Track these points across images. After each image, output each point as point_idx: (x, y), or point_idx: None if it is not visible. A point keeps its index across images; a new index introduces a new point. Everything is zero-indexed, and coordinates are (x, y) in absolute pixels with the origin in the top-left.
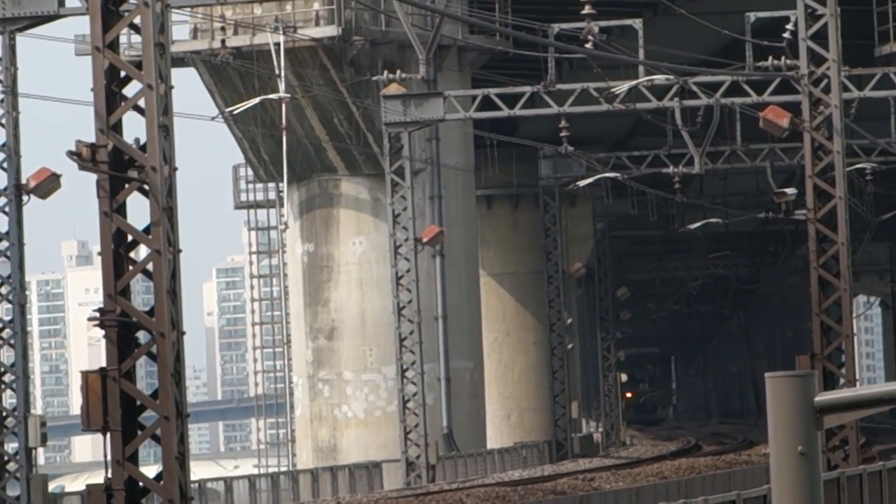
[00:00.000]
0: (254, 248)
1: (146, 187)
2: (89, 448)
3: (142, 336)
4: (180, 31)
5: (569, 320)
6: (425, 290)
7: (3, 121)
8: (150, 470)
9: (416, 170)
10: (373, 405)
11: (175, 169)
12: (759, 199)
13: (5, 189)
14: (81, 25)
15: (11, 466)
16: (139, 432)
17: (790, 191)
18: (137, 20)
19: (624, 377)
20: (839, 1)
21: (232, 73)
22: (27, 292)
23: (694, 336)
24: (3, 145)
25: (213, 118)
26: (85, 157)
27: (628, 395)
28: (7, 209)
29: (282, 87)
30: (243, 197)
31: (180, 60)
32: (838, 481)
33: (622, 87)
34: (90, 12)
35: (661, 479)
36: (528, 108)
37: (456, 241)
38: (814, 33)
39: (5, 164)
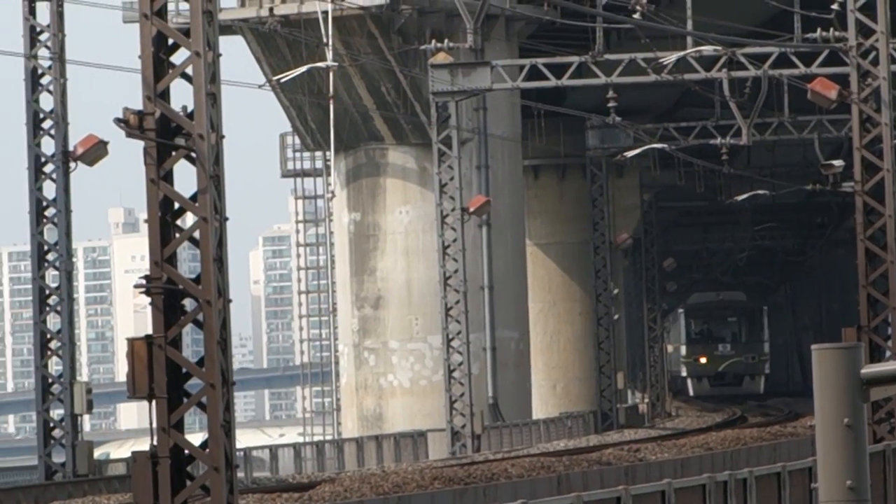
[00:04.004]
0: (300, 217)
1: (193, 155)
2: (135, 415)
3: (188, 303)
4: None
5: (615, 291)
6: (471, 259)
7: (51, 88)
8: (195, 437)
9: (463, 139)
10: (418, 374)
11: (222, 137)
12: (806, 170)
13: (52, 156)
14: None
15: (57, 433)
16: (185, 400)
17: (837, 163)
18: None
19: (670, 349)
20: None
21: (279, 42)
22: (74, 259)
23: None
24: (51, 112)
25: (260, 86)
26: (132, 124)
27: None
28: (54, 176)
29: (329, 55)
30: (290, 165)
31: (228, 28)
32: (884, 454)
33: (670, 57)
34: None
35: (706, 451)
36: (576, 78)
37: (502, 210)
38: (862, 5)
39: (52, 131)
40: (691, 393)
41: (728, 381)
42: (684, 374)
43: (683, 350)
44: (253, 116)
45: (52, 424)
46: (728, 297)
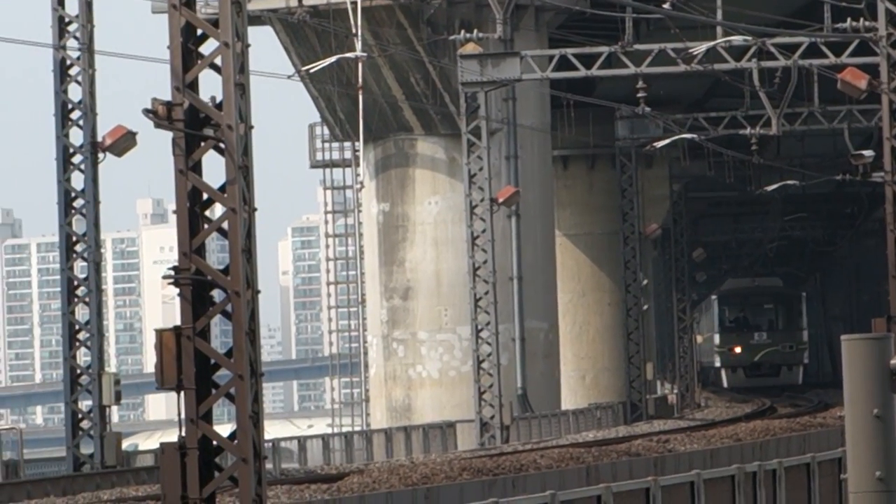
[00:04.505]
0: (329, 208)
1: (222, 145)
2: (163, 406)
3: (216, 294)
4: None
5: (644, 281)
6: (501, 250)
7: (80, 78)
8: (223, 429)
9: (492, 130)
10: (447, 365)
11: (251, 127)
12: (836, 160)
13: (81, 146)
14: None
15: (85, 424)
16: (213, 391)
17: (867, 153)
18: None
19: (699, 339)
20: None
21: (308, 32)
22: (102, 250)
23: None
24: (79, 103)
25: (289, 77)
26: (161, 114)
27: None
28: (83, 167)
29: (358, 45)
30: (319, 156)
31: (257, 18)
32: None
33: (700, 47)
34: None
35: (735, 442)
36: (605, 68)
37: (532, 201)
38: None
39: (81, 122)
40: (725, 384)
41: (765, 372)
42: (718, 364)
43: (717, 339)
44: (282, 107)
45: (80, 415)
46: (764, 282)
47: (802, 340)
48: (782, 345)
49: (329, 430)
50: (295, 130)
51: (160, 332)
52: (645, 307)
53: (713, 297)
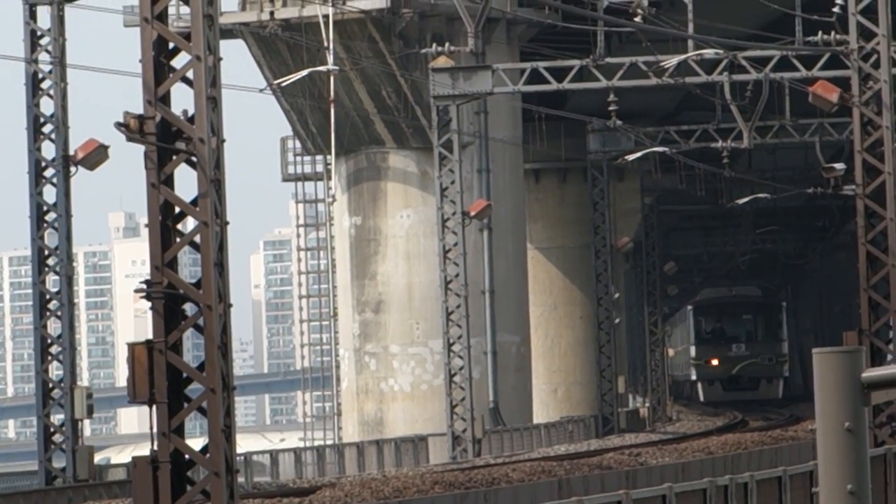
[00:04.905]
0: (301, 221)
1: (194, 159)
2: (135, 420)
3: (188, 308)
4: (229, 3)
5: (616, 295)
6: (472, 263)
7: (52, 92)
8: (196, 442)
9: (464, 143)
10: (419, 379)
11: (223, 141)
12: (807, 174)
13: (53, 160)
14: None
15: (57, 438)
16: (185, 404)
17: (839, 166)
18: None
19: (671, 352)
20: None
21: (280, 45)
22: (74, 264)
23: None
24: (51, 116)
25: (261, 90)
26: (133, 128)
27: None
28: (55, 180)
29: (330, 59)
30: (291, 169)
31: (229, 32)
32: (885, 458)
33: (671, 60)
34: None
35: (707, 455)
36: (577, 81)
37: (503, 214)
38: (863, 8)
39: (53, 136)
40: (702, 398)
41: (743, 385)
42: (694, 377)
43: (693, 351)
44: (254, 120)
45: (52, 429)
46: (742, 292)
47: (782, 352)
48: (761, 357)
49: (301, 444)
50: (267, 144)
51: (132, 346)
52: (616, 320)
53: (688, 307)
